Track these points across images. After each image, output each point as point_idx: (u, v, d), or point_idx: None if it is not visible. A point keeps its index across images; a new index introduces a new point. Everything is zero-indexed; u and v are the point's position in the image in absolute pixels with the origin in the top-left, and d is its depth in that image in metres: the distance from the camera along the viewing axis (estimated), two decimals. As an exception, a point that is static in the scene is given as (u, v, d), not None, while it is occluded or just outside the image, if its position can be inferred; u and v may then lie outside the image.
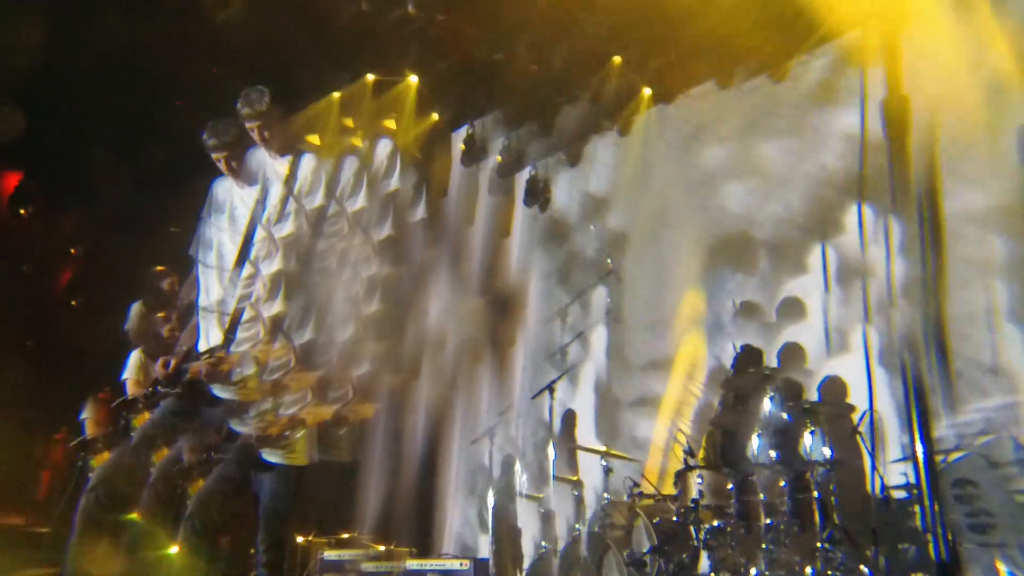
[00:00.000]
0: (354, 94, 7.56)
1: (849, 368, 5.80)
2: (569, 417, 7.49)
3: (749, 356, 6.10)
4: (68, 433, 5.84)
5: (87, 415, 5.48)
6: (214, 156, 4.05)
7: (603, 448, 6.09)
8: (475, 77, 7.83)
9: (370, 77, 7.53)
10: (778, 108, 6.78)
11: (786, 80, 6.70)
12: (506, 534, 7.25)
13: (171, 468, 3.98)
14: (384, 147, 9.35)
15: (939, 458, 4.53)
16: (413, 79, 7.66)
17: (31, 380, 6.79)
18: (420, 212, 9.28)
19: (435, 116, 8.65)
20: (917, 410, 1.84)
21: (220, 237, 4.06)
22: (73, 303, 7.95)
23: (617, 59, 7.24)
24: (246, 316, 3.84)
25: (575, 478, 6.16)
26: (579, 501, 6.04)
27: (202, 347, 3.92)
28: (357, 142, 4.50)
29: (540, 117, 8.23)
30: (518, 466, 7.00)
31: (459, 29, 7.12)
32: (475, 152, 8.63)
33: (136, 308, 5.34)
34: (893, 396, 5.41)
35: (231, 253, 4.00)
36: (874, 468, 4.90)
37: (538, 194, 8.58)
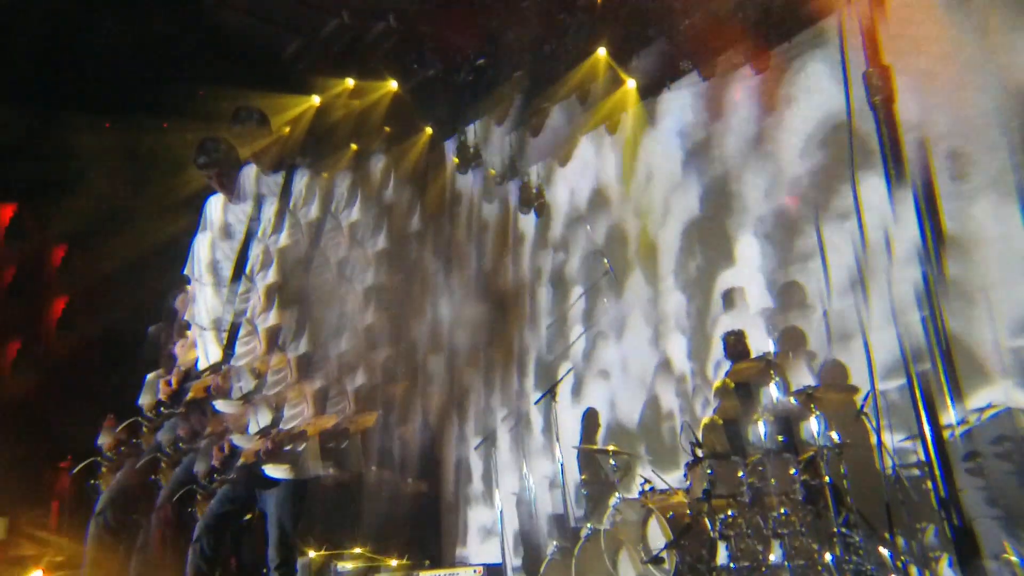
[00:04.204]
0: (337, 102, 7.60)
1: (849, 349, 5.77)
2: (591, 416, 7.38)
3: (739, 341, 6.11)
4: (73, 461, 5.79)
5: (102, 440, 5.43)
6: (204, 174, 4.05)
7: (609, 447, 6.05)
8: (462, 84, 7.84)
9: (350, 83, 7.53)
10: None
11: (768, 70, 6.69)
12: (523, 537, 7.20)
13: (177, 491, 3.96)
14: (376, 162, 9.38)
15: (947, 433, 4.50)
16: (393, 84, 7.66)
17: (30, 411, 6.74)
18: (415, 223, 9.33)
19: (429, 130, 8.65)
20: (919, 386, 1.82)
21: (215, 254, 4.06)
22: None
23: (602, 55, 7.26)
24: (243, 331, 3.83)
25: (585, 477, 6.12)
26: (590, 499, 6.01)
27: (202, 365, 3.91)
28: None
29: (528, 120, 8.24)
30: (525, 469, 6.95)
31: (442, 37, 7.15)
32: (468, 159, 8.62)
33: (154, 329, 5.30)
34: (896, 376, 5.36)
35: (227, 269, 3.99)
36: (881, 445, 4.86)
37: (531, 200, 8.55)
